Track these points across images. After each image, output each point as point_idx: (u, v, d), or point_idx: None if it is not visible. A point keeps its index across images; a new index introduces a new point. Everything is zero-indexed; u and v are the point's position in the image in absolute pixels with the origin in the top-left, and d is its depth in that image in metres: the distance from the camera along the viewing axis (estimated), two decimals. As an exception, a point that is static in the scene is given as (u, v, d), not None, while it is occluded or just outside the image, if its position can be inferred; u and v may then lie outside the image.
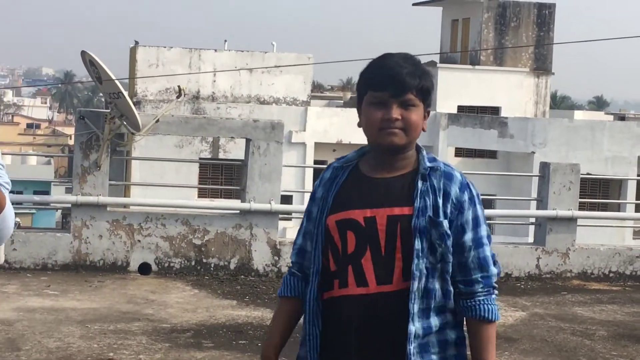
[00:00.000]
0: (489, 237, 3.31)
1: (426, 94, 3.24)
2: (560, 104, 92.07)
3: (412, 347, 3.17)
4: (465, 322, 3.35)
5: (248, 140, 12.01)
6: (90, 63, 11.51)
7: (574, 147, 35.33)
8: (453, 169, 3.30)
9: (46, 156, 68.95)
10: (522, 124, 37.65)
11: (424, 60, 41.67)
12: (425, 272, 3.18)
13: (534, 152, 35.65)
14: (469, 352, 3.45)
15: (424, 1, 50.17)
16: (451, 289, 3.25)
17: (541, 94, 44.78)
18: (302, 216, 3.48)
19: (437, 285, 3.22)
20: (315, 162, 37.20)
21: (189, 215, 11.88)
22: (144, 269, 11.62)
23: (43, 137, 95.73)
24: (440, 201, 3.21)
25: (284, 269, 11.88)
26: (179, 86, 12.51)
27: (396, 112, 3.17)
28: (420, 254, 3.17)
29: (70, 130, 76.35)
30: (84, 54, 11.56)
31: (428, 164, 3.25)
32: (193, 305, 10.05)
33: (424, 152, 3.30)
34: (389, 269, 3.19)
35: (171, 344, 8.37)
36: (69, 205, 11.99)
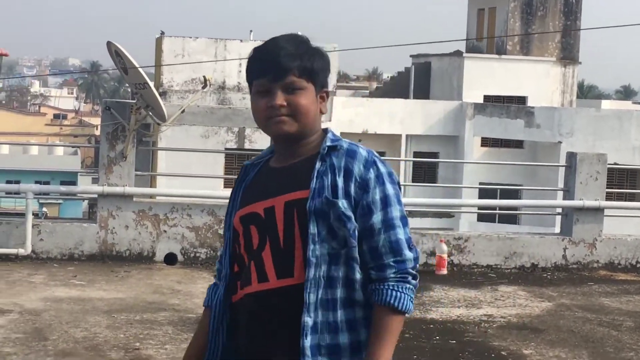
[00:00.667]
0: (403, 219, 2.93)
1: (313, 74, 2.93)
2: (587, 93, 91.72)
3: (307, 342, 2.83)
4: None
5: (273, 131, 12.00)
6: (115, 54, 11.54)
7: (601, 136, 35.15)
8: (358, 146, 2.95)
9: (73, 147, 69.34)
10: (548, 113, 37.52)
11: (450, 49, 41.60)
12: (328, 258, 2.85)
13: (560, 142, 35.53)
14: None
15: (450, -10, 49.99)
16: (357, 277, 2.88)
17: (568, 83, 44.56)
18: None
19: (341, 274, 2.87)
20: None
21: (215, 206, 11.88)
22: (170, 259, 11.66)
23: (70, 127, 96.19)
24: (340, 180, 2.87)
25: (310, 259, 11.90)
26: (204, 76, 12.51)
27: (280, 99, 2.88)
28: (317, 239, 2.84)
29: (96, 121, 76.66)
30: (109, 44, 11.58)
31: (328, 144, 2.94)
32: (219, 295, 10.05)
33: (330, 134, 2.99)
34: (289, 260, 2.88)
35: (197, 334, 8.39)
36: (96, 195, 12.04)
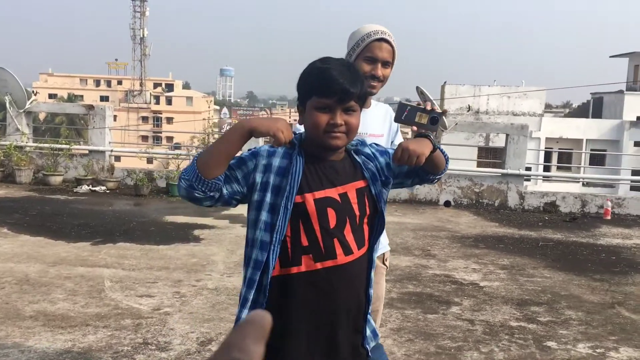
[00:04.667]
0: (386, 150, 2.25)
1: (363, 99, 2.05)
2: None
3: (371, 291, 2.09)
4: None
5: (507, 135, 11.63)
6: (420, 92, 11.56)
7: None
8: (357, 138, 2.21)
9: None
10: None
11: (616, 89, 38.02)
12: None
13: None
14: None
15: None
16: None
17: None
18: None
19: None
20: (546, 147, 35.39)
21: (472, 175, 11.68)
22: (447, 204, 11.59)
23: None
24: (371, 163, 2.14)
25: (527, 207, 11.40)
26: (469, 105, 12.30)
27: (341, 118, 1.99)
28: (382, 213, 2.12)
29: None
30: (417, 87, 11.63)
31: (353, 143, 2.18)
32: (473, 224, 9.91)
33: None
34: (362, 234, 2.06)
35: (461, 244, 8.33)
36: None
